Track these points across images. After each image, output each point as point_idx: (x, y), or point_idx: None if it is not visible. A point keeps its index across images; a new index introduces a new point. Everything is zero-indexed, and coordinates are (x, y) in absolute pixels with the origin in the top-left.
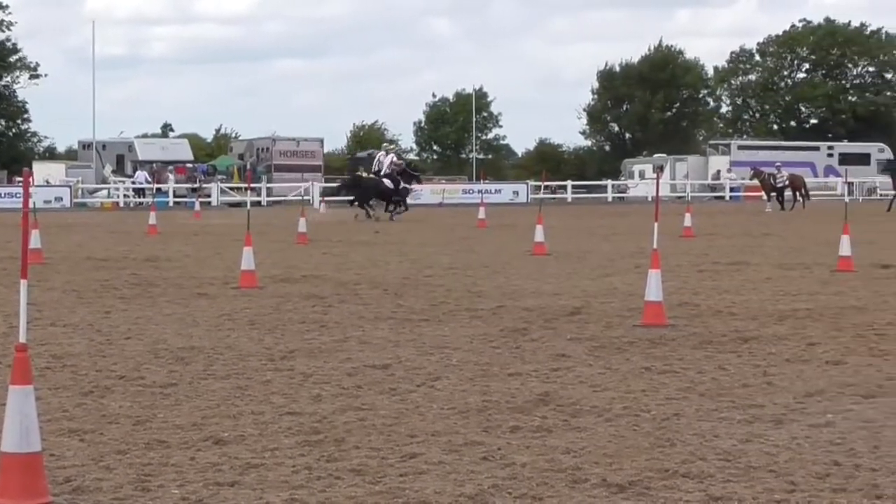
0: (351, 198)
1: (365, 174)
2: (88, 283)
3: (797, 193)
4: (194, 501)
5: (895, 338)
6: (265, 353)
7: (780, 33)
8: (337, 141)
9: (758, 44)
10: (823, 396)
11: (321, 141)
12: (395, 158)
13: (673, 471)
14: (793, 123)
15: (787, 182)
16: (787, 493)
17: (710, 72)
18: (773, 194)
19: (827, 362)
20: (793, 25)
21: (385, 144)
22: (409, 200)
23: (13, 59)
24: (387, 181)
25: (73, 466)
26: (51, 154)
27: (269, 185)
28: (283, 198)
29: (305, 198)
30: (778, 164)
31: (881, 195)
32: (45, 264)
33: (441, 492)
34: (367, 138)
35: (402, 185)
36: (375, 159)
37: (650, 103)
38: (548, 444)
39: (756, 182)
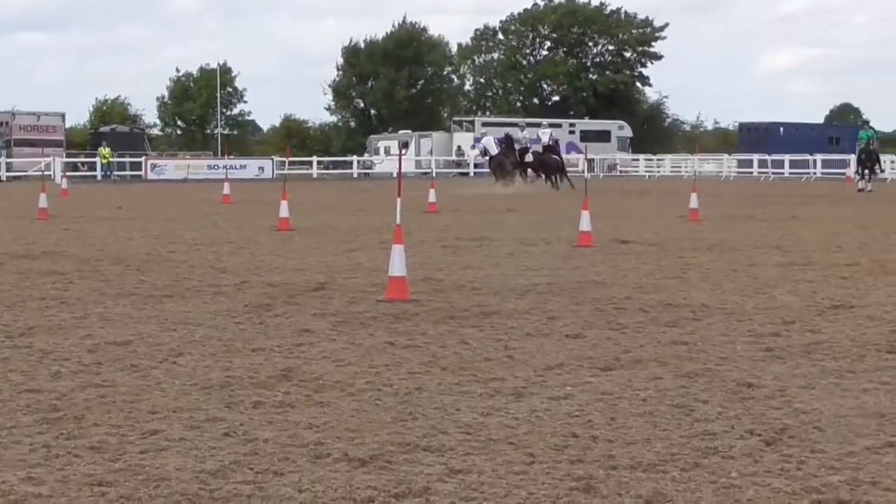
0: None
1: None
2: None
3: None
4: None
5: (633, 312)
6: (3, 329)
7: (522, 11)
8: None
9: (500, 22)
10: (563, 369)
11: (63, 115)
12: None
13: (414, 444)
14: (535, 101)
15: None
16: (527, 464)
17: (455, 49)
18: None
19: (567, 336)
20: (534, 4)
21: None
22: (154, 176)
23: None
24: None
25: None
26: None
27: (8, 160)
28: (23, 173)
29: (46, 173)
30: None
31: (621, 171)
32: None
33: (182, 468)
34: (110, 113)
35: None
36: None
37: (395, 80)
38: (290, 420)
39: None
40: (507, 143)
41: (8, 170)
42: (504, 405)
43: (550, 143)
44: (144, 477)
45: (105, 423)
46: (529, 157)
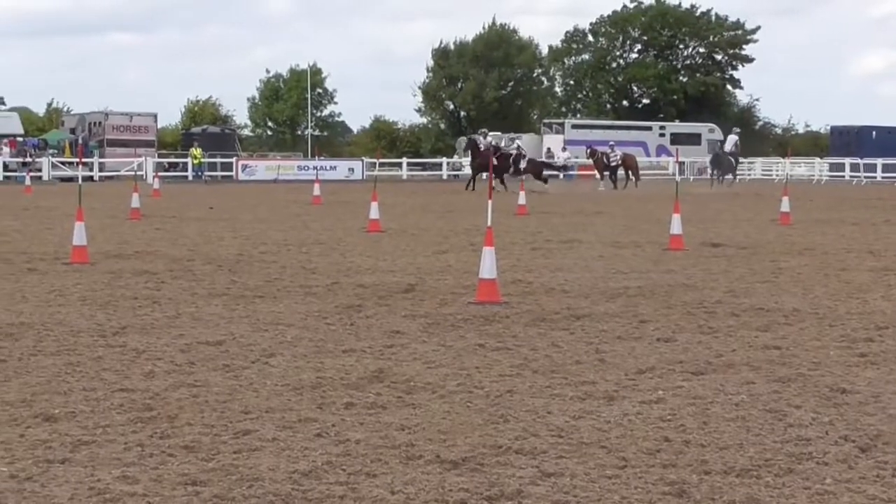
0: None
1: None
2: None
3: (629, 172)
4: (24, 479)
5: (724, 316)
6: (97, 328)
7: (612, 13)
8: (170, 116)
9: (590, 24)
10: (654, 373)
11: (154, 116)
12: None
13: (506, 447)
14: (625, 103)
15: (620, 161)
16: (619, 468)
17: (545, 51)
18: (607, 173)
19: (658, 339)
20: (624, 6)
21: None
22: (245, 177)
23: None
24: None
25: None
26: None
27: (101, 160)
28: (115, 173)
29: (139, 173)
30: (611, 143)
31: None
32: None
33: (275, 468)
34: (201, 114)
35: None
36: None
37: (485, 82)
38: (382, 421)
39: (591, 161)
40: (471, 148)
41: (101, 170)
42: (596, 408)
43: (514, 151)
44: (238, 477)
45: (198, 423)
46: (523, 164)
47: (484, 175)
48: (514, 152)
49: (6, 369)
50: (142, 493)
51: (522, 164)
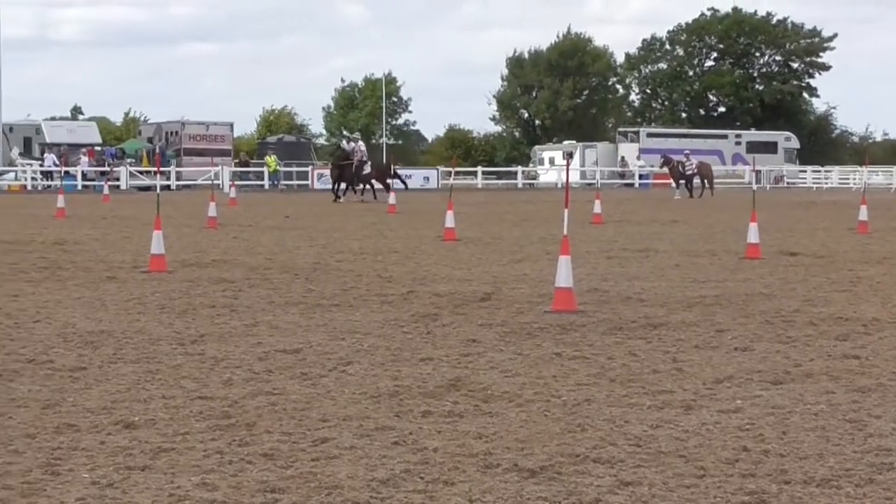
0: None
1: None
2: None
3: (705, 181)
4: (105, 485)
5: (802, 325)
6: (175, 337)
7: (690, 22)
8: (246, 125)
9: (668, 32)
10: (732, 382)
11: (231, 125)
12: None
13: (584, 456)
14: (701, 112)
15: (695, 170)
16: (697, 478)
17: (620, 59)
18: (682, 182)
19: (735, 349)
20: (702, 14)
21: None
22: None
23: None
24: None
25: None
26: None
27: (178, 169)
28: (192, 182)
29: (215, 182)
30: (687, 151)
31: (787, 183)
32: None
33: (353, 476)
34: (277, 122)
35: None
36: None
37: (559, 90)
38: (459, 429)
39: (665, 169)
40: (342, 155)
41: (177, 179)
42: (673, 417)
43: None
44: (316, 484)
45: (276, 431)
46: (367, 169)
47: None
48: (356, 157)
49: (87, 377)
50: (221, 500)
51: (366, 170)
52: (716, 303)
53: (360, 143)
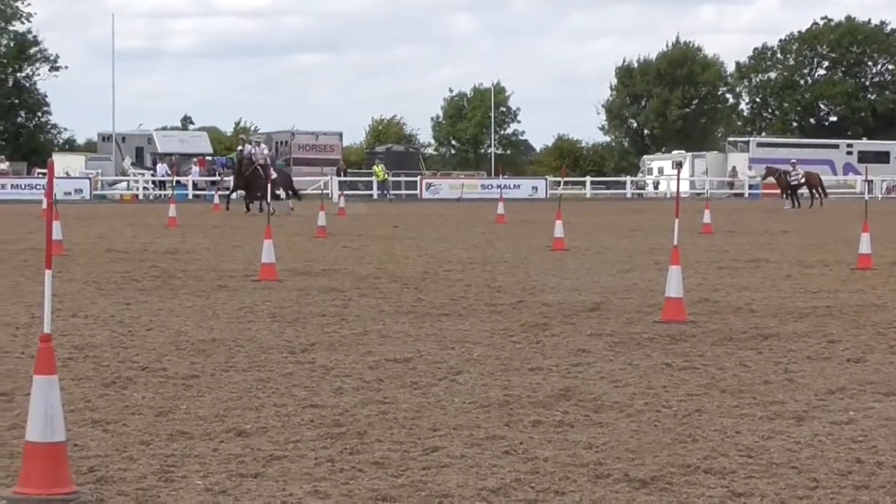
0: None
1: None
2: (109, 275)
3: (813, 191)
4: (218, 492)
5: None
6: (286, 345)
7: (803, 31)
8: (355, 135)
9: (779, 41)
10: (845, 394)
11: (340, 135)
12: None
13: (695, 466)
14: (812, 121)
15: (802, 180)
16: (810, 489)
17: (730, 68)
18: (789, 192)
19: (848, 360)
20: (814, 23)
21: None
22: (428, 195)
23: (33, 50)
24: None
25: (96, 457)
26: (70, 146)
27: None
28: (302, 191)
29: (325, 192)
30: (793, 160)
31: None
32: (66, 256)
33: (464, 485)
34: (386, 133)
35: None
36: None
37: (669, 100)
38: (569, 439)
39: (771, 180)
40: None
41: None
42: (785, 429)
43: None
44: (427, 493)
45: (387, 440)
46: (273, 175)
47: (235, 195)
48: (261, 163)
49: (199, 384)
50: None
51: (273, 176)
52: (828, 313)
53: (263, 146)
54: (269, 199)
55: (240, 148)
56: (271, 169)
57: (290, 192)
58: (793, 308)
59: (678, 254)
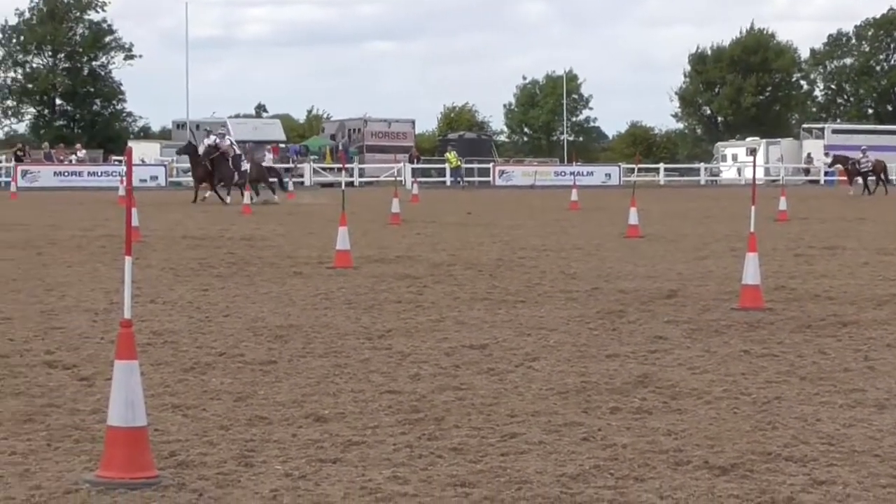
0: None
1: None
2: (185, 262)
3: (879, 177)
4: (297, 478)
5: None
6: (362, 331)
7: (879, 16)
8: (427, 122)
9: (855, 27)
10: None
11: (412, 122)
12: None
13: (775, 454)
14: (889, 108)
15: (871, 166)
16: (893, 478)
17: (804, 55)
18: (858, 179)
19: None
20: (891, 9)
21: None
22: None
23: (108, 39)
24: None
25: (177, 441)
26: (145, 134)
27: (360, 165)
28: (375, 178)
29: (398, 178)
30: (864, 147)
31: None
32: (142, 242)
33: (542, 472)
34: (458, 120)
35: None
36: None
37: (742, 87)
38: (648, 426)
39: (838, 167)
40: (189, 153)
41: (360, 175)
42: (867, 416)
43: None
44: (506, 479)
45: (465, 426)
46: (245, 166)
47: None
48: (233, 153)
49: (277, 370)
50: (412, 493)
51: (244, 167)
52: None
53: (228, 137)
54: (229, 191)
55: (207, 140)
56: (243, 159)
57: (265, 185)
58: (871, 296)
59: (755, 241)
